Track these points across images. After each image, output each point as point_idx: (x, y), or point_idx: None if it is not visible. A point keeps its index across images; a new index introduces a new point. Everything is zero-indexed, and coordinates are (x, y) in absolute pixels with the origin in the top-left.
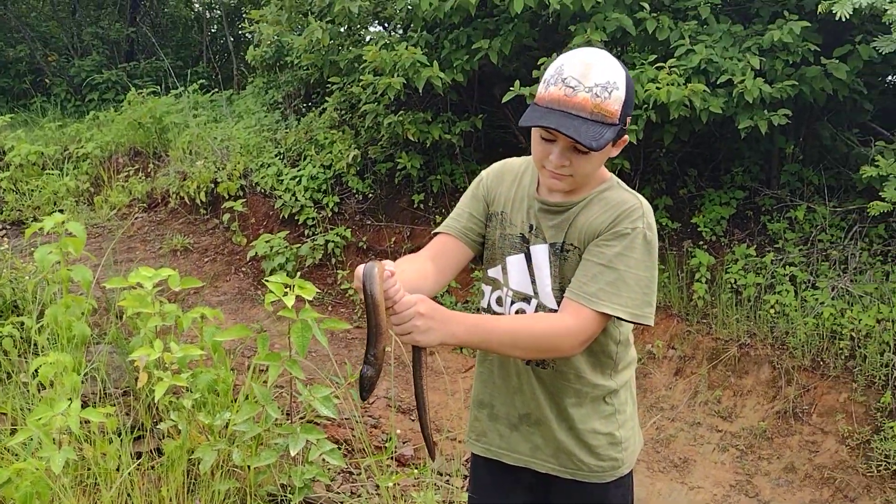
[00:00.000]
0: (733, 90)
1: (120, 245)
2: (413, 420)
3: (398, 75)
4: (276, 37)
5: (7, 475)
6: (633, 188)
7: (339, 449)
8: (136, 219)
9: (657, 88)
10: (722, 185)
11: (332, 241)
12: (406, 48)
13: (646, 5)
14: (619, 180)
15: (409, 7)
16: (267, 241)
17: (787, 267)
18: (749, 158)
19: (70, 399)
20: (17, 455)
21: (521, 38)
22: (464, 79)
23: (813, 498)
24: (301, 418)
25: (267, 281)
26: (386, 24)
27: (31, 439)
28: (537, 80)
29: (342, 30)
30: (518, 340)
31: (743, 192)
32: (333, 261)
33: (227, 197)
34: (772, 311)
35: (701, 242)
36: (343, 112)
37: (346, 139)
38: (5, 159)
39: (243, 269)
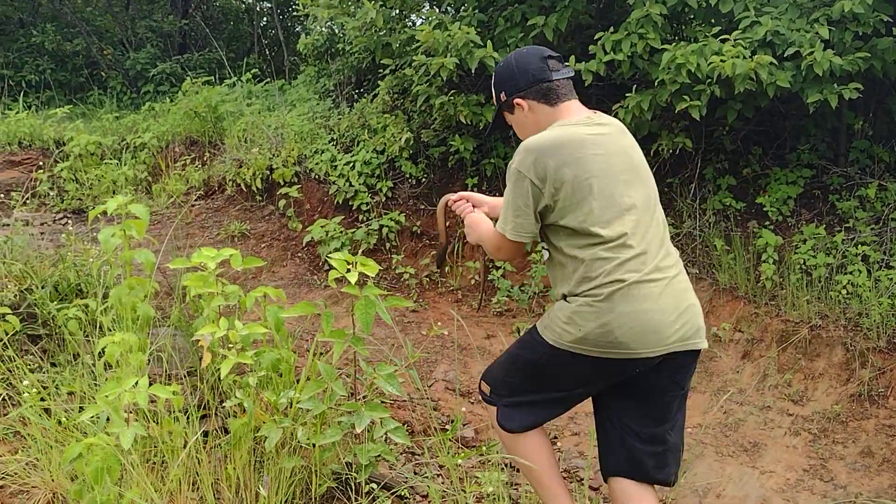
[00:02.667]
0: (801, 63)
1: (179, 232)
2: (472, 403)
3: (451, 56)
4: (328, 20)
5: (78, 450)
6: (695, 168)
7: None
8: (193, 206)
9: (721, 61)
10: (788, 163)
11: (387, 226)
12: (459, 28)
13: None
14: (544, 132)
15: None
16: (322, 227)
17: (859, 246)
18: (816, 136)
19: (152, 378)
20: (85, 432)
21: (578, 14)
22: None
23: (892, 482)
24: (363, 398)
25: (330, 257)
26: (438, 6)
27: (100, 416)
28: (593, 56)
29: (395, 13)
30: (482, 241)
31: (810, 170)
32: (388, 245)
33: (282, 183)
34: (844, 291)
35: (767, 223)
36: (395, 96)
37: (399, 123)
38: (65, 150)
39: (299, 254)
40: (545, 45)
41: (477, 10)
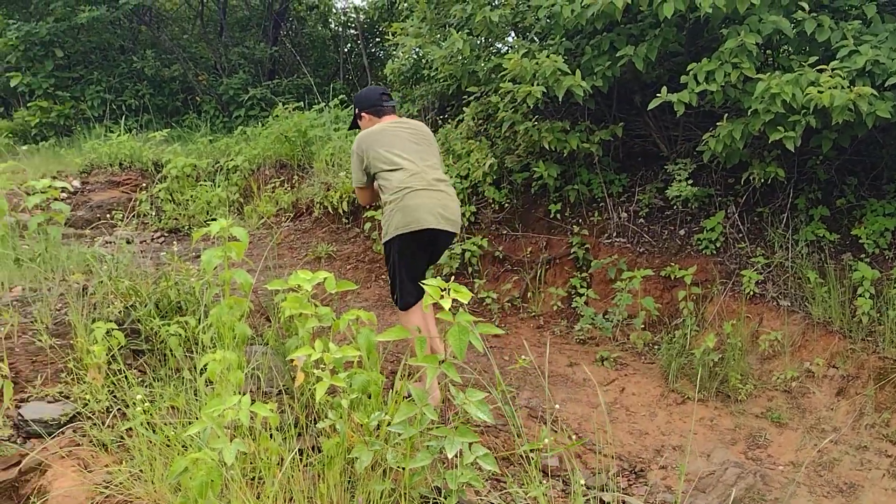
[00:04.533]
0: None
1: (269, 252)
2: (556, 431)
3: (538, 84)
4: (416, 49)
5: (184, 464)
6: (787, 198)
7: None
8: (282, 227)
9: (819, 92)
10: (885, 194)
11: (469, 250)
12: (547, 56)
13: (804, 5)
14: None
15: (550, 16)
16: None
17: None
18: None
19: (239, 395)
20: (185, 446)
21: (668, 43)
22: (605, 86)
23: None
24: (452, 422)
25: (424, 284)
26: (524, 35)
27: (203, 432)
28: (684, 86)
29: (480, 41)
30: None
31: None
32: (470, 269)
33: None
34: None
35: (863, 255)
36: (479, 122)
37: (483, 149)
38: (163, 172)
39: (383, 276)
40: (634, 73)
41: (564, 39)
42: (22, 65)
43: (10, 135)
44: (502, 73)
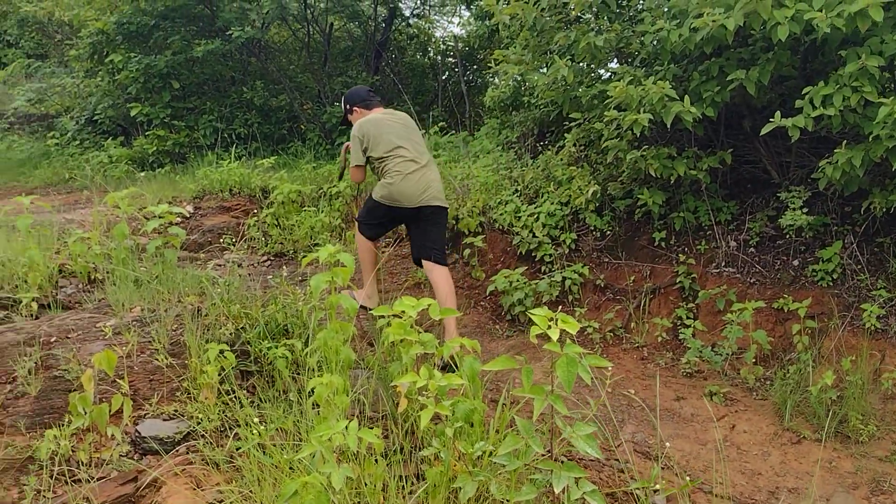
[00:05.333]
0: None
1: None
2: (663, 468)
3: (644, 111)
4: (518, 76)
5: (294, 487)
6: None
7: None
8: (383, 252)
9: None
10: None
11: (570, 278)
12: (654, 82)
13: None
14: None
15: (656, 41)
16: (506, 277)
17: None
18: None
19: (347, 419)
20: (292, 467)
21: (781, 66)
22: (714, 112)
23: None
24: (550, 455)
25: (532, 313)
26: (629, 61)
27: (313, 455)
28: (798, 111)
29: (583, 66)
30: (350, 172)
31: None
32: (570, 298)
33: (466, 233)
34: None
35: None
36: (581, 148)
37: (585, 175)
38: (270, 198)
39: (482, 302)
40: (744, 98)
41: (671, 64)
42: (141, 96)
43: (130, 162)
44: (607, 101)
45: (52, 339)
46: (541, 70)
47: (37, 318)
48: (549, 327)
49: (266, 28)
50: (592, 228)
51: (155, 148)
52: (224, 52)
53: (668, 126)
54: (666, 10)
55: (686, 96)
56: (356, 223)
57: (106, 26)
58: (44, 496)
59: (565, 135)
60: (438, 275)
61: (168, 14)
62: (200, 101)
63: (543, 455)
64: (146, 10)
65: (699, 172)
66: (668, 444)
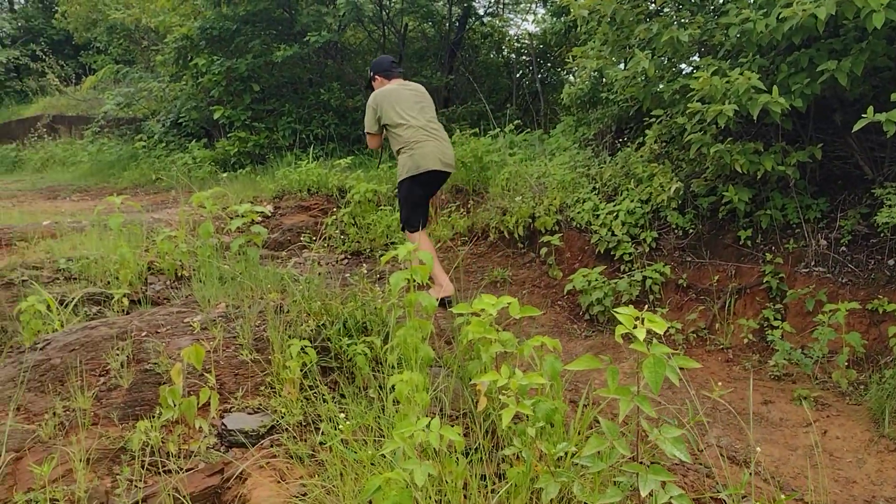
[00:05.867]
0: None
1: (448, 276)
2: (751, 473)
3: (729, 102)
4: (595, 72)
5: (377, 483)
6: None
7: None
8: (458, 251)
9: None
10: None
11: (650, 278)
12: (740, 74)
13: None
14: (382, 88)
15: (741, 32)
16: (584, 276)
17: None
18: None
19: (429, 417)
20: (372, 463)
21: (876, 56)
22: (802, 104)
23: None
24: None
25: (616, 312)
26: (712, 53)
27: (395, 452)
28: (894, 104)
29: (664, 61)
30: (368, 138)
31: None
32: (651, 297)
33: (543, 231)
34: None
35: None
36: (663, 144)
37: (666, 172)
38: (347, 197)
39: (559, 302)
40: (835, 91)
41: (757, 56)
42: (223, 99)
43: (213, 163)
44: (690, 94)
45: (143, 334)
46: (619, 66)
47: (128, 313)
48: (635, 327)
49: (342, 30)
50: (674, 226)
51: (236, 149)
52: (302, 55)
53: (755, 119)
54: (752, 0)
55: (774, 87)
56: (404, 231)
57: (190, 31)
58: (135, 486)
59: (645, 131)
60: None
61: (249, 18)
62: (279, 104)
63: (629, 458)
64: (228, 16)
65: (787, 168)
66: (759, 449)
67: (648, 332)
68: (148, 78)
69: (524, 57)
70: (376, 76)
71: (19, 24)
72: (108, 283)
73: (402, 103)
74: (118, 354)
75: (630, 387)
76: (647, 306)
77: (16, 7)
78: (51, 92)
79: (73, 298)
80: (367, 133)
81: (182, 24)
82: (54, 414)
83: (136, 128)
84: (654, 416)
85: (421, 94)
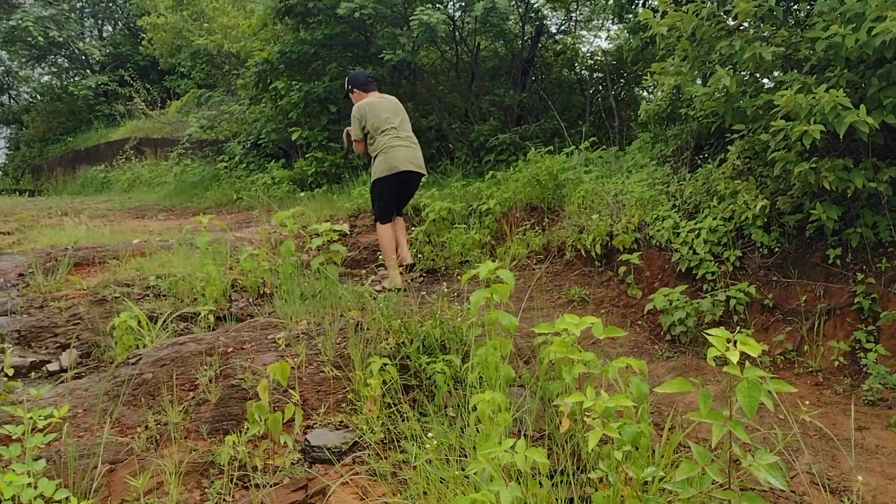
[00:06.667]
0: None
1: (521, 294)
2: (843, 501)
3: (815, 121)
4: (673, 89)
5: None
6: None
7: None
8: (534, 270)
9: None
10: None
11: (735, 297)
12: (826, 90)
13: None
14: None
15: (829, 47)
16: (665, 295)
17: None
18: None
19: (511, 437)
20: (457, 483)
21: None
22: (895, 119)
23: None
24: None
25: (708, 334)
26: (797, 68)
27: (478, 472)
28: None
29: (745, 76)
30: (353, 145)
31: None
32: (735, 318)
33: (621, 250)
34: None
35: None
36: (746, 161)
37: (751, 189)
38: (421, 215)
39: (639, 322)
40: None
41: (845, 70)
42: (301, 120)
43: (291, 182)
44: (773, 110)
45: (229, 350)
46: (698, 81)
47: (213, 329)
48: (728, 349)
49: (416, 51)
50: (759, 245)
51: (313, 169)
52: (377, 76)
53: (841, 136)
54: (840, 14)
55: (862, 105)
56: (376, 223)
57: (270, 56)
58: (224, 500)
59: (727, 147)
60: (399, 220)
61: (326, 42)
62: None
63: (720, 484)
64: (306, 40)
65: (879, 184)
66: (859, 477)
67: (741, 354)
68: (229, 101)
69: (597, 74)
70: (354, 89)
71: (108, 50)
72: (195, 299)
73: (381, 113)
74: (206, 370)
75: (722, 411)
76: (730, 327)
77: (105, 35)
78: (137, 115)
79: (163, 315)
80: (354, 140)
81: (262, 49)
82: (146, 427)
83: (218, 149)
84: (748, 441)
85: (396, 106)
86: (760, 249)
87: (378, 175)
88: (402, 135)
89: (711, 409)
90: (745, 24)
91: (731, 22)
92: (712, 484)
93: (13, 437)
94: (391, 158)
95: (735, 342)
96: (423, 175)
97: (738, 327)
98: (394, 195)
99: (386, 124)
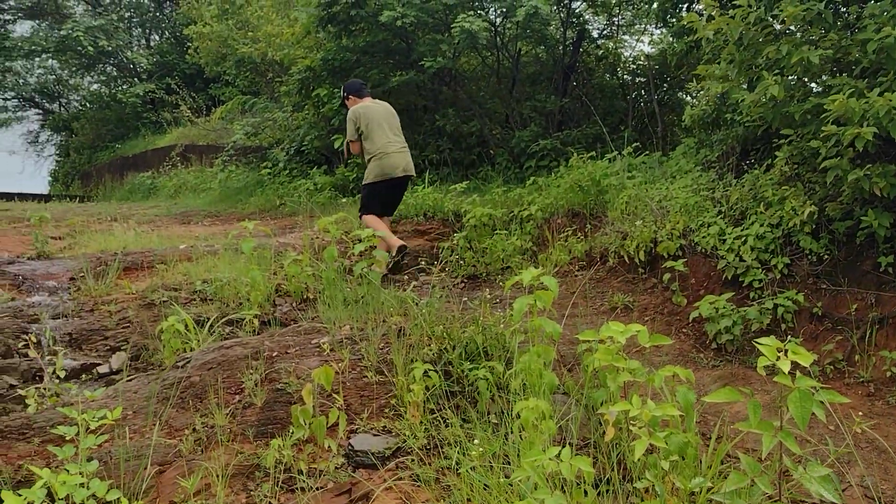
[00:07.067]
0: None
1: (563, 300)
2: None
3: (868, 124)
4: (720, 94)
5: None
6: None
7: None
8: (576, 276)
9: None
10: None
11: (783, 306)
12: (880, 94)
13: None
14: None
15: (881, 49)
16: (711, 303)
17: None
18: None
19: (552, 445)
20: (499, 491)
21: None
22: None
23: None
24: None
25: (758, 343)
26: (847, 71)
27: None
28: None
29: (793, 80)
30: (350, 147)
31: None
32: (783, 326)
33: (666, 256)
34: None
35: None
36: (794, 166)
37: (799, 195)
38: (463, 221)
39: (684, 330)
40: None
41: None
42: (343, 127)
43: (333, 188)
44: (823, 115)
45: (274, 354)
46: (744, 86)
47: (258, 333)
48: (778, 358)
49: (457, 57)
50: (807, 252)
51: (355, 175)
52: (417, 82)
53: None
54: (893, 16)
55: None
56: (360, 218)
57: (313, 63)
58: (270, 503)
59: (774, 152)
60: (386, 219)
61: (368, 49)
62: None
63: (770, 496)
64: (349, 47)
65: None
66: None
67: (792, 363)
68: (273, 108)
69: (640, 78)
70: (350, 96)
71: (155, 59)
72: (240, 304)
73: (375, 118)
74: (252, 374)
75: (773, 421)
76: (777, 336)
77: (152, 44)
78: (183, 123)
79: (210, 319)
80: (350, 141)
81: (305, 57)
82: (194, 430)
83: (262, 156)
84: (798, 452)
85: (389, 111)
86: (809, 256)
87: (371, 179)
88: (395, 140)
89: (763, 420)
90: (792, 28)
91: (777, 26)
92: (762, 496)
93: (66, 438)
94: (385, 165)
95: (786, 351)
96: (413, 176)
97: (787, 336)
98: (386, 198)
99: (378, 129)
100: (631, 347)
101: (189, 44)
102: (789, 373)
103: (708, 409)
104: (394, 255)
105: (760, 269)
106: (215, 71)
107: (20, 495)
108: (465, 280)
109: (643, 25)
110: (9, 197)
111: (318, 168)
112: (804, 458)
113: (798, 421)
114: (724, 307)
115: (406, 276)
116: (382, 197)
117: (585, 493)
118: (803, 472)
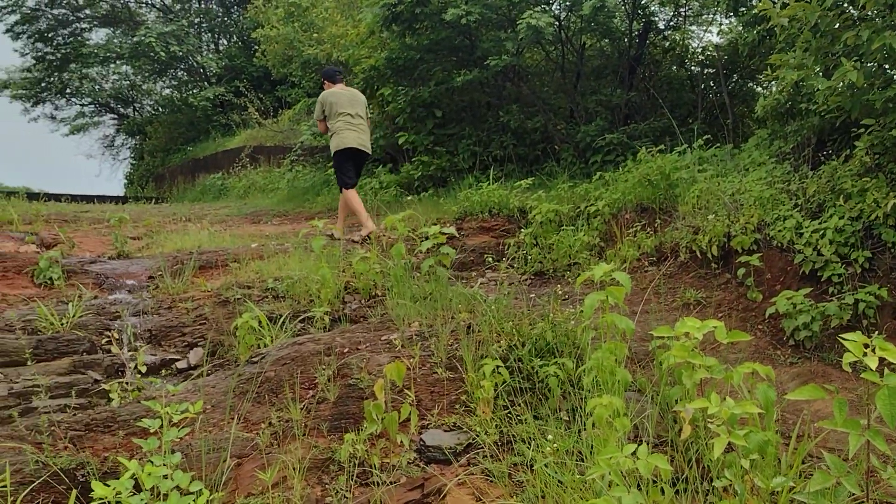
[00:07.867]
0: None
1: (634, 297)
2: None
3: None
4: (794, 83)
5: None
6: None
7: None
8: (646, 272)
9: None
10: None
11: (864, 301)
12: None
13: None
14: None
15: None
16: (788, 298)
17: None
18: None
19: (627, 442)
20: (573, 488)
21: None
22: None
23: None
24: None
25: (842, 339)
26: None
27: (599, 477)
28: None
29: (873, 67)
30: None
31: None
32: (865, 323)
33: (740, 251)
34: None
35: None
36: (875, 157)
37: (881, 186)
38: (528, 217)
39: (759, 326)
40: None
41: None
42: (407, 125)
43: (398, 186)
44: None
45: (345, 350)
46: (820, 74)
47: (329, 330)
48: (865, 354)
49: (520, 53)
50: (890, 245)
51: (420, 173)
52: (481, 79)
53: None
54: None
55: None
56: (341, 190)
57: (377, 62)
58: (345, 496)
59: (854, 143)
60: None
61: (431, 47)
62: (460, 128)
63: (856, 497)
64: (412, 46)
65: None
66: None
67: (879, 360)
68: None
69: (709, 69)
70: (325, 81)
71: (224, 63)
72: (311, 301)
73: (339, 102)
74: (324, 369)
75: (859, 419)
76: (861, 332)
77: (220, 48)
78: (252, 125)
79: (282, 316)
80: (317, 120)
81: (369, 56)
82: (270, 424)
83: (328, 156)
84: (887, 452)
85: (354, 97)
86: (892, 250)
87: (334, 149)
88: (354, 121)
89: (850, 419)
90: (872, 13)
91: (854, 12)
92: (848, 496)
93: (150, 431)
94: (342, 138)
95: (873, 347)
96: (369, 154)
97: (869, 332)
98: (350, 165)
99: (342, 111)
100: (705, 344)
101: (256, 47)
102: (876, 369)
103: (786, 407)
104: (364, 236)
105: (840, 264)
106: (282, 73)
107: (108, 485)
108: (532, 277)
109: (711, 15)
110: (88, 199)
111: (383, 166)
112: (893, 458)
113: (887, 419)
114: (801, 303)
115: (475, 273)
116: (348, 165)
117: (662, 491)
118: (893, 473)
